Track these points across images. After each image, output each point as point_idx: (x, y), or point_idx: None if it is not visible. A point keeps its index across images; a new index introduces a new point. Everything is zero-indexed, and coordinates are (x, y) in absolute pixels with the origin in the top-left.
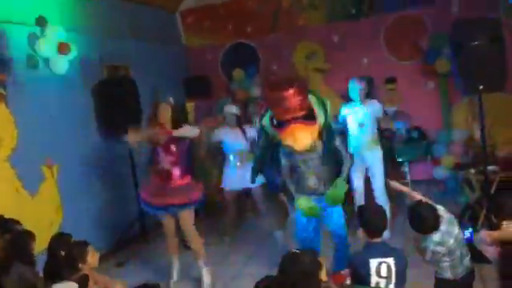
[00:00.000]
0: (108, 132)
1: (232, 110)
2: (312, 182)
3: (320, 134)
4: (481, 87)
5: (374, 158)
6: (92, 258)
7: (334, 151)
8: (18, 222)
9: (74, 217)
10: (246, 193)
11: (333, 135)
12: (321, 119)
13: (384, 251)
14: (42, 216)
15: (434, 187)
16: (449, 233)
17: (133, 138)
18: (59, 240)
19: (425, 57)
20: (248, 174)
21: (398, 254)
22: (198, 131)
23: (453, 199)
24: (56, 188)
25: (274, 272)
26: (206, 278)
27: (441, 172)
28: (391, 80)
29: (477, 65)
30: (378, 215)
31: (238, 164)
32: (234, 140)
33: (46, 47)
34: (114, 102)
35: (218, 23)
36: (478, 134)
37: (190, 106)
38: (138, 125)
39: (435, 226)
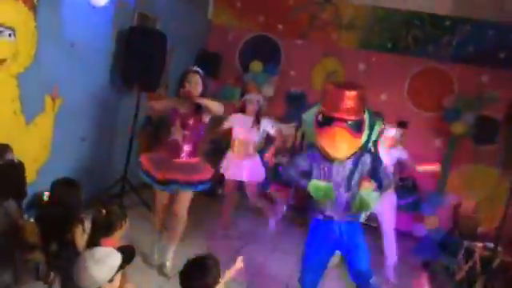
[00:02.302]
0: (124, 80)
1: (256, 98)
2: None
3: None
4: None
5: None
6: (125, 227)
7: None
8: (10, 150)
9: (60, 159)
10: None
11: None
12: (364, 137)
13: None
14: (28, 148)
15: (407, 240)
16: None
17: (158, 106)
18: (71, 188)
19: (444, 113)
20: (248, 167)
21: None
22: (222, 108)
23: (423, 257)
24: (52, 123)
25: None
26: (170, 260)
27: (422, 230)
28: (403, 124)
29: None
30: None
31: (242, 153)
32: (246, 129)
33: None
34: (140, 51)
35: (251, 9)
36: (468, 206)
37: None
38: (157, 82)
39: None
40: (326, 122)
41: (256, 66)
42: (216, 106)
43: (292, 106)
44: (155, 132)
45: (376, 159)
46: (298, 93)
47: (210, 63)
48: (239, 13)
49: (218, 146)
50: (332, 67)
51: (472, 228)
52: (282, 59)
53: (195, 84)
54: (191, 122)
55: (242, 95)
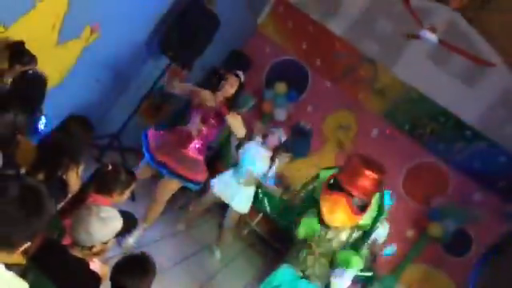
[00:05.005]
0: (161, 44)
1: (281, 136)
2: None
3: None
4: None
5: None
6: (127, 194)
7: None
8: (36, 61)
9: (67, 91)
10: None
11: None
12: (365, 220)
13: None
14: (49, 68)
15: None
16: None
17: (180, 87)
18: (85, 128)
19: (429, 211)
20: (239, 196)
21: None
22: (244, 133)
23: None
24: (79, 53)
25: None
26: (138, 233)
27: None
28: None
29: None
30: None
31: (241, 182)
32: (259, 162)
33: None
34: (190, 25)
35: (299, 33)
36: None
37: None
38: (192, 60)
39: None
40: (336, 187)
41: (281, 87)
42: (239, 130)
43: (294, 136)
44: (159, 104)
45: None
46: (306, 128)
47: (239, 64)
48: (286, 32)
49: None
50: (347, 121)
51: None
52: (306, 92)
53: (230, 86)
54: (213, 120)
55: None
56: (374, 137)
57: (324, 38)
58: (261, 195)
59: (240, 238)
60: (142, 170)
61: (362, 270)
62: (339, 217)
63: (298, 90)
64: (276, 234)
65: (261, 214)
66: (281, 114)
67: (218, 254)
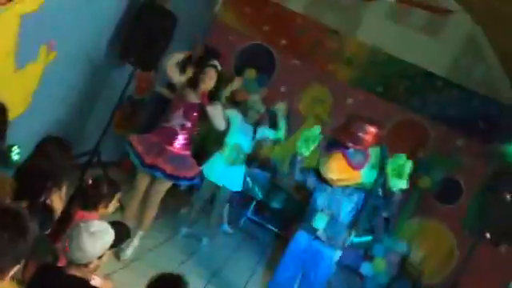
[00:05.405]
0: (122, 51)
1: (261, 108)
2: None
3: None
4: (487, 235)
5: None
6: (113, 205)
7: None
8: None
9: (37, 115)
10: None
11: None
12: (364, 174)
13: None
14: (9, 96)
15: (354, 276)
16: None
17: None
18: (63, 148)
19: (416, 164)
20: (230, 174)
21: None
22: (223, 126)
23: None
24: (39, 75)
25: None
26: (135, 243)
27: (368, 270)
28: None
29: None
30: None
31: (229, 161)
32: (243, 135)
33: None
34: (147, 27)
35: (259, 17)
36: (414, 256)
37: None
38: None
39: None
40: (333, 146)
41: (250, 73)
42: (218, 121)
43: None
44: (131, 113)
45: (378, 206)
46: (277, 110)
47: (208, 57)
48: (245, 18)
49: (204, 145)
50: (321, 95)
51: (416, 277)
52: (275, 73)
53: (209, 79)
54: (195, 113)
55: (231, 98)
56: (349, 105)
57: (285, 17)
58: (250, 183)
59: (239, 229)
60: (140, 181)
61: (360, 235)
62: (333, 166)
63: (267, 73)
64: (273, 218)
65: (254, 202)
66: (257, 100)
67: (205, 241)
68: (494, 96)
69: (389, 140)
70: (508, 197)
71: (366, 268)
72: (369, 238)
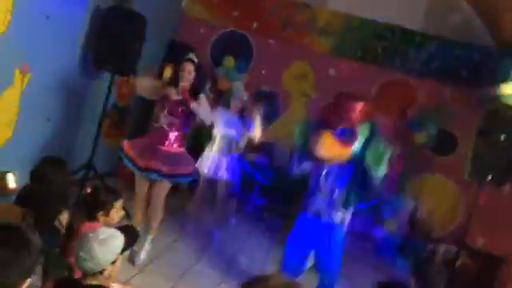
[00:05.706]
0: (95, 61)
1: (244, 96)
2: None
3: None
4: (489, 177)
5: None
6: (116, 213)
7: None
8: None
9: (23, 139)
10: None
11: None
12: (355, 147)
13: None
14: None
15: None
16: None
17: (143, 83)
18: (56, 166)
19: (407, 122)
20: (224, 165)
21: None
22: (210, 120)
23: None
24: (18, 99)
25: None
26: (147, 247)
27: (381, 232)
28: None
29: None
30: None
31: (221, 151)
32: (229, 125)
33: None
34: (117, 33)
35: (226, 4)
36: (422, 211)
37: (168, 70)
38: (133, 66)
39: None
40: (322, 125)
41: (228, 61)
42: (205, 116)
43: (261, 103)
44: (118, 120)
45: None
46: (267, 92)
47: (182, 54)
48: (213, 7)
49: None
50: (302, 71)
51: (427, 231)
52: (254, 57)
53: (188, 73)
54: (180, 109)
55: (214, 89)
56: (332, 76)
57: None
58: (250, 169)
59: (247, 216)
60: (139, 185)
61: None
62: (324, 144)
63: (246, 58)
64: (277, 200)
65: (257, 187)
66: (239, 88)
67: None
68: (473, 41)
69: (377, 103)
70: (502, 137)
71: (378, 231)
72: (374, 201)
